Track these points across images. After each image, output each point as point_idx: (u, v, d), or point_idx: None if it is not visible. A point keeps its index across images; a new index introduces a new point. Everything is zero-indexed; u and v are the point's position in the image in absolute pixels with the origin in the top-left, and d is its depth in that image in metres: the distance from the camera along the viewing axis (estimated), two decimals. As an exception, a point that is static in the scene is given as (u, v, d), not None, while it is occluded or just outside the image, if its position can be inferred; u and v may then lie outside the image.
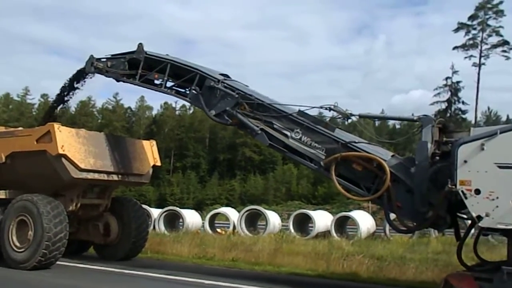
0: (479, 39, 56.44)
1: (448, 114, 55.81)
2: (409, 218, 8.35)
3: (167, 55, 10.84)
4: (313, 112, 9.40)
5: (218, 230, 25.49)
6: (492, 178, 6.75)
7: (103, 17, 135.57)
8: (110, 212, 12.11)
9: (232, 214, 27.05)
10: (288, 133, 9.26)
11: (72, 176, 10.48)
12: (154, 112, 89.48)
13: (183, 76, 10.49)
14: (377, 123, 72.51)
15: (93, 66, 11.53)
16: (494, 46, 56.17)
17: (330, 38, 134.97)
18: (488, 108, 78.66)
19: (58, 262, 10.39)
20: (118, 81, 11.38)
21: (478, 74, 56.01)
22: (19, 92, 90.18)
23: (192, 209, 33.60)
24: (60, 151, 10.23)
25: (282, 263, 12.19)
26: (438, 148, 8.02)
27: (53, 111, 13.37)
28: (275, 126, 9.39)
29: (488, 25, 56.31)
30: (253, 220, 26.17)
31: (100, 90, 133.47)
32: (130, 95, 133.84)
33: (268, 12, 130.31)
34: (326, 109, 9.07)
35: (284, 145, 9.34)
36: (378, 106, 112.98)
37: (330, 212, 31.59)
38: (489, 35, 56.41)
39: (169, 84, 10.84)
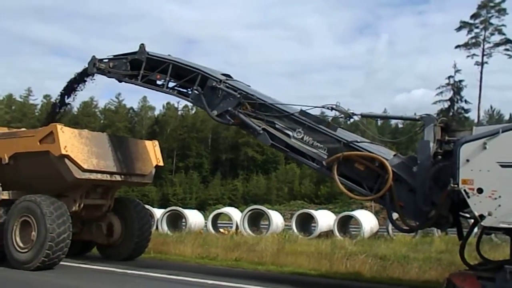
0: (482, 37, 56.33)
1: (451, 113, 55.72)
2: (412, 217, 8.35)
3: (169, 55, 10.86)
4: (315, 112, 9.41)
5: (221, 230, 25.49)
6: (494, 177, 6.74)
7: (105, 17, 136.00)
8: (113, 213, 12.15)
9: (235, 214, 27.04)
10: (290, 133, 9.26)
11: (75, 176, 10.52)
12: (157, 112, 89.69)
13: (185, 77, 10.51)
14: (379, 122, 72.62)
15: (95, 67, 11.56)
16: (497, 44, 56.01)
17: (333, 38, 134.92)
18: (491, 107, 78.56)
19: (61, 263, 10.43)
20: (120, 81, 11.41)
21: (481, 72, 55.92)
22: (21, 93, 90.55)
23: (194, 209, 33.62)
24: (63, 152, 10.27)
25: (285, 263, 12.19)
26: (440, 147, 8.00)
27: (55, 112, 13.41)
28: (277, 126, 9.40)
29: (491, 24, 56.18)
30: (256, 220, 26.17)
31: (102, 91, 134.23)
32: (133, 95, 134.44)
33: (270, 12, 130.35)
34: (328, 108, 9.07)
35: (286, 144, 9.35)
36: (381, 105, 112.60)
37: (333, 212, 31.54)
38: (492, 34, 56.31)
39: (171, 84, 10.85)
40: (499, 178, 6.72)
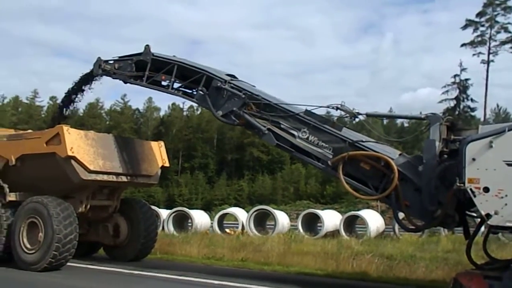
0: (488, 36, 56.11)
1: (457, 112, 55.51)
2: (418, 216, 8.32)
3: (174, 56, 10.89)
4: (320, 112, 9.40)
5: (227, 230, 25.50)
6: (500, 175, 6.71)
7: (110, 19, 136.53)
8: (120, 214, 12.18)
9: (241, 214, 27.04)
10: (295, 133, 9.26)
11: (81, 178, 10.56)
12: (162, 113, 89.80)
13: (190, 77, 10.54)
14: (385, 121, 72.40)
15: (101, 68, 11.62)
16: (503, 42, 55.75)
17: (337, 37, 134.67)
18: (497, 105, 78.22)
19: (68, 264, 10.48)
20: (125, 82, 11.45)
21: (487, 71, 55.69)
22: (28, 95, 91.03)
23: (200, 209, 33.67)
24: (69, 153, 10.32)
25: (292, 263, 12.18)
26: (446, 146, 7.98)
27: (61, 114, 13.47)
28: (282, 126, 9.40)
29: (497, 22, 55.96)
30: (262, 220, 26.16)
31: (108, 92, 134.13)
32: (138, 96, 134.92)
33: (274, 12, 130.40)
34: (333, 108, 9.06)
35: (291, 144, 9.35)
36: (386, 104, 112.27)
37: (339, 212, 31.47)
38: (498, 32, 56.07)
39: (176, 85, 10.89)
40: (506, 176, 6.69)
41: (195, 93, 10.64)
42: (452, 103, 57.38)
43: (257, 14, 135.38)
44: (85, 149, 10.66)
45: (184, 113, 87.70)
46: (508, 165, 6.70)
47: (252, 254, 13.36)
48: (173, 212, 25.95)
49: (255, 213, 24.93)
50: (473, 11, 65.69)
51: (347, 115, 9.09)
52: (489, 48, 55.77)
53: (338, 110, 9.05)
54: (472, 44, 56.26)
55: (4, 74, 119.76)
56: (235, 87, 9.93)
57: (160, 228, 22.18)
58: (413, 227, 8.59)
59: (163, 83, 10.97)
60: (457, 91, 57.47)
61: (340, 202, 57.39)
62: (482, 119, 57.16)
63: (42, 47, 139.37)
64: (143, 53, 10.95)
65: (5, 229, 10.70)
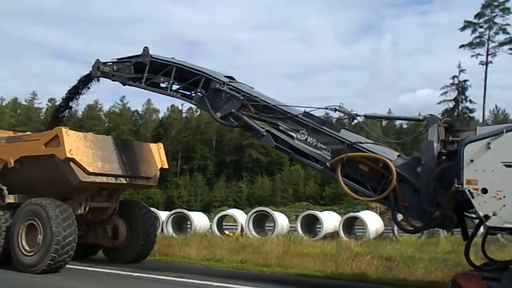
0: (486, 37, 56.24)
1: (456, 113, 55.56)
2: (416, 218, 8.33)
3: (172, 58, 10.89)
4: (319, 113, 9.43)
5: (226, 232, 25.51)
6: (499, 177, 6.73)
7: (109, 21, 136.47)
8: (118, 215, 12.18)
9: (240, 215, 27.06)
10: (294, 134, 9.28)
11: (80, 179, 10.56)
12: (161, 115, 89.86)
13: (188, 79, 10.55)
14: (384, 123, 72.46)
15: (99, 70, 11.62)
16: (501, 44, 55.89)
17: (336, 38, 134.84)
18: (496, 107, 78.28)
19: (67, 266, 10.46)
20: (124, 84, 11.46)
21: (485, 72, 55.78)
22: (26, 96, 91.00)
23: (199, 211, 33.67)
24: (68, 155, 10.31)
25: (291, 265, 12.18)
26: (444, 148, 7.99)
27: (59, 115, 13.47)
28: (280, 127, 9.41)
29: (495, 23, 56.07)
30: (261, 222, 26.16)
31: (107, 94, 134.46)
32: (137, 98, 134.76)
33: (274, 13, 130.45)
34: (331, 109, 9.08)
35: (290, 146, 9.36)
36: (385, 105, 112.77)
37: (338, 213, 31.50)
38: (496, 33, 56.18)
39: (174, 87, 10.90)
40: (504, 178, 6.71)
41: (193, 95, 10.65)
42: (451, 104, 57.47)
43: (257, 16, 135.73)
44: (84, 151, 10.66)
45: (183, 115, 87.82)
46: (506, 166, 6.71)
47: (251, 255, 13.36)
48: (172, 214, 25.96)
49: (254, 214, 24.95)
50: (472, 12, 65.87)
51: (346, 116, 9.11)
52: (488, 49, 55.93)
53: (337, 112, 9.08)
54: (470, 45, 56.40)
55: (3, 76, 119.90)
56: (233, 89, 9.94)
57: (159, 230, 22.20)
58: (411, 228, 8.59)
59: (162, 85, 10.97)
60: (456, 92, 57.54)
61: (339, 204, 57.39)
62: (480, 120, 57.27)
63: (41, 48, 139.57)
64: (142, 55, 10.96)
65: (4, 231, 10.68)
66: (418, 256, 13.96)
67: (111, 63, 11.58)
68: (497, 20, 56.02)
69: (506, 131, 6.81)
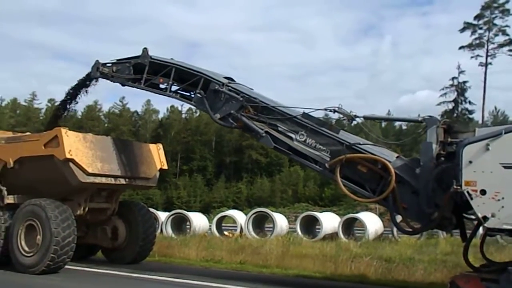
0: (486, 38, 56.31)
1: (455, 114, 55.61)
2: (415, 219, 8.35)
3: (171, 59, 10.90)
4: (318, 114, 9.44)
5: (226, 233, 25.50)
6: (497, 178, 6.74)
7: (109, 22, 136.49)
8: (118, 216, 12.18)
9: (239, 216, 27.06)
10: (293, 136, 9.29)
11: (79, 180, 10.56)
12: (161, 115, 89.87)
13: (188, 80, 10.55)
14: (383, 124, 72.52)
15: (99, 71, 11.62)
16: (501, 45, 56.00)
17: (336, 40, 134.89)
18: (495, 108, 78.32)
19: (66, 266, 10.46)
20: (123, 85, 11.47)
21: (485, 73, 55.90)
22: (26, 97, 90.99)
23: (199, 212, 33.66)
24: (68, 156, 10.32)
25: (290, 266, 12.18)
26: (443, 149, 8.00)
27: (58, 116, 13.48)
28: (279, 128, 9.43)
29: (495, 25, 56.15)
30: (260, 223, 26.17)
31: (106, 94, 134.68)
32: (137, 99, 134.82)
33: (273, 14, 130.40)
34: (330, 111, 9.10)
35: (289, 147, 9.37)
36: (385, 107, 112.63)
37: (337, 214, 31.52)
38: (496, 35, 56.27)
39: (174, 88, 10.90)
40: (502, 179, 6.71)
41: (193, 96, 10.66)
42: (451, 106, 57.55)
43: (256, 17, 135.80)
44: (83, 151, 10.67)
45: (183, 116, 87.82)
46: (505, 167, 6.72)
47: (250, 256, 13.37)
48: (172, 215, 25.96)
49: (253, 215, 24.96)
50: (472, 13, 65.72)
51: (345, 117, 9.12)
52: (487, 51, 55.99)
53: (336, 113, 9.09)
54: (470, 46, 56.47)
55: (3, 77, 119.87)
56: (232, 90, 9.95)
57: (159, 230, 22.20)
58: (410, 229, 8.61)
59: (161, 86, 10.97)
60: (455, 93, 57.60)
61: (339, 205, 57.37)
62: (480, 121, 57.35)
63: (41, 49, 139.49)
64: (141, 56, 10.96)
65: (3, 232, 10.68)
66: (418, 257, 13.97)
67: (110, 64, 11.58)
68: (496, 21, 56.19)
69: (505, 133, 6.82)
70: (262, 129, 9.51)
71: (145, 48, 10.97)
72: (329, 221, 25.41)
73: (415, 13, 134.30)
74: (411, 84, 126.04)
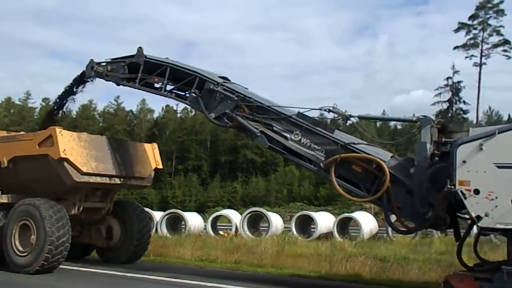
0: (480, 38, 56.61)
1: (450, 114, 55.88)
2: (409, 218, 8.38)
3: (166, 58, 10.90)
4: (314, 114, 9.47)
5: (221, 232, 25.51)
6: (491, 178, 6.77)
7: (105, 21, 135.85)
8: (113, 216, 12.17)
9: (234, 216, 27.06)
10: (288, 135, 9.30)
11: (74, 179, 10.54)
12: (156, 115, 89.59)
13: (182, 80, 10.55)
14: (378, 123, 72.64)
15: (93, 70, 11.60)
16: (495, 45, 56.32)
17: (332, 39, 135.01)
18: (490, 108, 78.64)
19: (61, 266, 10.43)
20: (118, 84, 11.45)
21: (479, 73, 56.17)
22: (20, 96, 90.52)
23: (194, 211, 33.64)
24: (62, 155, 10.29)
25: (285, 265, 12.20)
26: (437, 149, 8.04)
27: (53, 115, 13.44)
28: (274, 128, 9.44)
29: (489, 25, 56.46)
30: (256, 222, 26.20)
31: (101, 94, 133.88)
32: (132, 98, 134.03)
33: (270, 14, 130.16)
34: (325, 110, 9.13)
35: (284, 147, 9.38)
36: (380, 106, 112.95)
37: (332, 214, 31.58)
38: (490, 35, 56.60)
39: (169, 87, 10.90)
40: (496, 179, 6.75)
41: (188, 95, 10.66)
42: (445, 106, 57.86)
43: (253, 16, 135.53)
44: (78, 151, 10.64)
45: (178, 115, 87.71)
46: (498, 167, 6.76)
47: (245, 256, 13.38)
48: (167, 214, 25.96)
49: (248, 215, 24.98)
50: (466, 13, 65.93)
51: (340, 117, 9.14)
52: (482, 51, 56.33)
53: (330, 113, 9.11)
54: (464, 46, 56.75)
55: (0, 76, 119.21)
56: (227, 89, 9.95)
57: (154, 230, 22.15)
58: (404, 229, 8.64)
59: (156, 85, 10.96)
60: (450, 93, 57.88)
61: (334, 204, 57.53)
62: (474, 121, 57.57)
63: (39, 49, 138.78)
64: (136, 55, 10.95)
65: (-3, 231, 10.66)
66: (412, 256, 14.02)
67: (105, 63, 11.56)
68: (491, 21, 56.52)
69: (499, 133, 6.85)
70: (257, 129, 9.51)
71: (140, 47, 10.97)
72: (324, 220, 25.46)
73: (410, 13, 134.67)
74: (406, 84, 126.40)
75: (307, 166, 9.27)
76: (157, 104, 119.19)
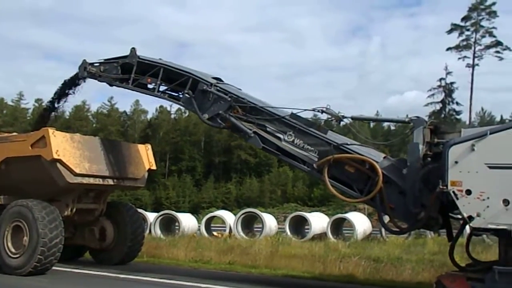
0: (473, 40, 56.88)
1: (443, 115, 56.11)
2: (402, 219, 8.42)
3: (160, 59, 10.88)
4: (307, 115, 9.48)
5: (215, 233, 25.50)
6: (482, 178, 6.83)
7: (100, 21, 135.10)
8: (106, 217, 12.13)
9: (228, 217, 27.06)
10: (281, 136, 9.32)
11: (67, 181, 10.50)
12: (149, 116, 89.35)
13: (176, 80, 10.53)
14: (372, 124, 72.88)
15: (86, 71, 11.55)
16: (488, 47, 56.60)
17: (326, 40, 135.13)
18: (482, 109, 79.03)
19: (53, 268, 10.39)
20: (111, 85, 11.41)
21: (472, 75, 56.48)
22: (13, 97, 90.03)
23: (188, 212, 33.60)
24: (55, 156, 10.25)
25: (279, 266, 12.21)
26: (429, 150, 8.09)
27: (46, 116, 13.38)
28: (268, 129, 9.45)
29: (481, 26, 56.74)
30: (249, 223, 26.21)
31: (94, 94, 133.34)
32: (125, 99, 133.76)
33: (264, 15, 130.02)
34: (318, 111, 9.15)
35: (277, 147, 9.40)
36: (373, 107, 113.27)
37: (326, 214, 31.69)
38: (483, 36, 56.88)
39: (162, 88, 10.87)
40: (487, 179, 6.81)
41: (181, 96, 10.65)
42: (438, 106, 58.07)
43: (246, 17, 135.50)
44: (71, 152, 10.60)
45: (172, 116, 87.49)
46: (490, 167, 6.81)
47: (239, 257, 13.38)
48: (160, 215, 25.91)
49: (242, 216, 24.98)
50: (459, 15, 66.28)
51: (333, 118, 9.17)
52: (474, 52, 56.61)
53: (323, 113, 9.13)
54: (457, 48, 57.02)
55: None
56: (221, 90, 9.95)
57: (147, 231, 22.09)
58: (397, 229, 8.68)
59: (149, 86, 10.93)
60: (443, 94, 58.13)
61: (328, 205, 57.53)
62: (467, 122, 57.90)
63: (34, 49, 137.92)
64: (129, 55, 10.92)
65: (-11, 233, 10.59)
66: (405, 257, 14.07)
67: (98, 64, 11.51)
68: (483, 23, 56.80)
69: (490, 133, 6.91)
70: (251, 130, 9.52)
71: (133, 48, 10.94)
72: (318, 221, 25.52)
73: (403, 14, 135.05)
74: (399, 85, 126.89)
75: (300, 167, 9.28)
76: (150, 105, 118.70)
